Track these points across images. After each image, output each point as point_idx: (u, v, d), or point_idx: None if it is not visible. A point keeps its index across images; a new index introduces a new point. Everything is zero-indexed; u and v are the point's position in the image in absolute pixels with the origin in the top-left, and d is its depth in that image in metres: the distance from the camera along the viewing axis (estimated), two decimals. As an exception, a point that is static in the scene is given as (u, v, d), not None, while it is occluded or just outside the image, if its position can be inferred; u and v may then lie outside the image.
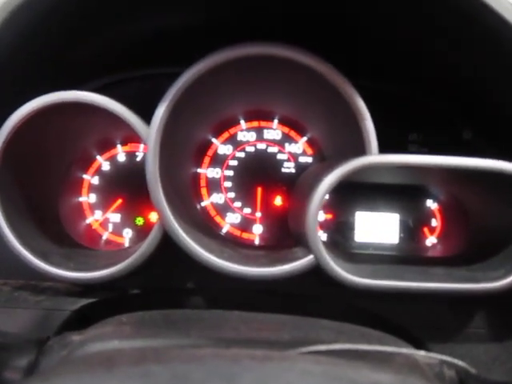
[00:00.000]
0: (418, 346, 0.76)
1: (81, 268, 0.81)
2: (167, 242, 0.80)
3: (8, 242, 0.78)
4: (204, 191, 1.02)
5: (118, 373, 0.35)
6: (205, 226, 0.96)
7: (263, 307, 0.73)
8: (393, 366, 0.53)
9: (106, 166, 1.04)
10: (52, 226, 0.92)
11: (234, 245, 0.93)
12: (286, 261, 0.78)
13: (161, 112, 0.74)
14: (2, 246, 0.86)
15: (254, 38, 0.77)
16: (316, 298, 0.87)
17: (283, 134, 1.03)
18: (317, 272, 0.74)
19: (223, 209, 1.02)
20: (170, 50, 0.94)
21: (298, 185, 0.93)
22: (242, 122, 1.02)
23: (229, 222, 1.02)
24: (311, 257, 0.76)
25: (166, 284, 0.88)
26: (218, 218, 1.02)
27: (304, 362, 0.40)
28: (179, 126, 0.80)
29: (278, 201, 1.02)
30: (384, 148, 0.78)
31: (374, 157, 0.69)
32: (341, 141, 0.91)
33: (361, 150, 0.79)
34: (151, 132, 0.75)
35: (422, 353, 0.54)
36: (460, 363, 0.57)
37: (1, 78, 0.76)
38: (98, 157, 1.04)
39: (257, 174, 1.02)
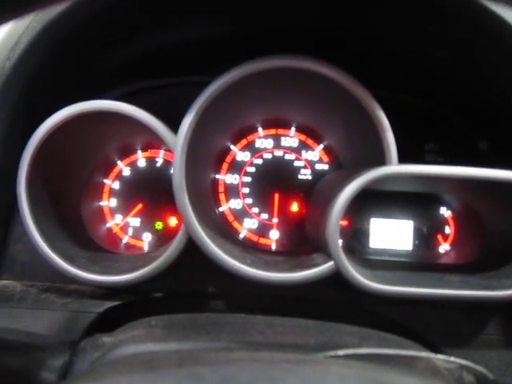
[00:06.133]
0: (434, 351, 0.78)
1: (106, 271, 0.83)
2: (190, 246, 0.83)
3: (37, 246, 0.81)
4: (222, 197, 1.05)
5: (169, 375, 0.37)
6: (224, 231, 0.99)
7: (284, 311, 0.75)
8: (416, 370, 0.55)
9: (126, 171, 1.06)
10: (76, 229, 0.94)
11: (253, 250, 0.95)
12: (306, 267, 0.80)
13: (188, 121, 0.76)
14: (28, 249, 0.90)
15: (276, 50, 0.79)
16: (334, 303, 0.89)
17: (300, 141, 1.05)
18: (335, 277, 0.76)
19: (241, 214, 1.05)
20: (191, 61, 0.96)
21: (317, 192, 0.95)
22: (260, 129, 1.05)
23: (246, 228, 1.04)
24: (331, 263, 0.78)
25: (189, 288, 0.91)
26: (235, 224, 1.04)
27: (337, 366, 0.42)
28: (203, 134, 0.83)
29: (295, 207, 1.04)
30: (400, 156, 0.80)
31: (397, 167, 0.71)
32: (358, 149, 0.94)
33: (379, 158, 0.80)
34: (178, 140, 0.77)
35: (444, 358, 0.56)
36: (479, 368, 0.59)
37: (33, 88, 0.79)
38: (119, 162, 1.06)
39: (274, 180, 1.04)
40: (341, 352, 0.52)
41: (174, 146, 0.79)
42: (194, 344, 0.57)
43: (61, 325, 0.80)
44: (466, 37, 0.72)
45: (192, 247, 0.82)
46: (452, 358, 0.56)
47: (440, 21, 0.71)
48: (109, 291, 0.87)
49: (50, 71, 0.80)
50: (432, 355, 0.58)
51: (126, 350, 0.58)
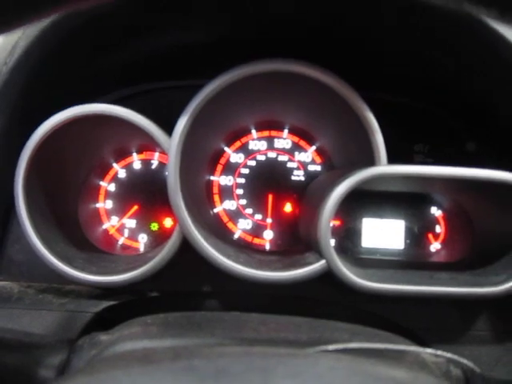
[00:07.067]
0: (423, 347, 0.80)
1: (102, 272, 0.85)
2: (184, 247, 0.84)
3: (34, 247, 0.82)
4: (217, 198, 1.06)
5: (164, 368, 0.39)
6: (218, 231, 1.00)
7: (277, 309, 0.77)
8: (404, 364, 0.57)
9: (122, 174, 1.08)
10: (73, 231, 0.95)
11: (247, 250, 0.97)
12: (299, 266, 0.81)
13: (182, 123, 0.78)
14: (25, 250, 0.91)
15: (268, 54, 0.81)
16: (326, 302, 0.91)
17: (293, 143, 1.07)
18: (327, 276, 0.78)
19: (235, 215, 1.06)
20: (185, 64, 0.98)
21: (309, 192, 0.97)
22: (254, 131, 1.06)
23: (240, 228, 1.06)
24: (323, 262, 0.80)
25: (184, 287, 0.92)
26: (230, 224, 1.06)
27: (327, 359, 0.44)
28: (197, 136, 0.84)
29: (288, 207, 1.05)
30: (390, 157, 0.82)
31: (385, 167, 0.73)
32: (349, 150, 0.95)
33: (369, 159, 0.82)
34: (173, 142, 0.79)
35: (431, 351, 0.58)
36: (466, 362, 0.61)
37: (30, 92, 0.80)
38: (115, 164, 1.08)
39: (267, 181, 1.06)
40: (331, 347, 0.54)
41: (168, 149, 0.81)
42: (188, 340, 0.58)
43: (58, 324, 0.81)
44: (458, 42, 0.74)
45: (187, 247, 0.83)
46: (439, 352, 0.58)
47: (432, 28, 0.73)
48: (105, 291, 0.89)
49: (47, 75, 0.81)
50: (420, 349, 0.59)
51: (123, 346, 0.59)
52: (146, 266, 0.83)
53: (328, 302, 0.90)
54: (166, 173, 1.03)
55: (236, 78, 0.77)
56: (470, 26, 0.69)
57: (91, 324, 0.83)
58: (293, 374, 0.36)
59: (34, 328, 0.81)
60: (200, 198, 1.01)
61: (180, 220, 0.80)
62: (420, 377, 0.47)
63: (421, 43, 0.78)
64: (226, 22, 0.80)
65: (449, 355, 0.57)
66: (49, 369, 0.61)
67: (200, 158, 0.99)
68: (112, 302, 0.87)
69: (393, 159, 0.81)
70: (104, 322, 0.83)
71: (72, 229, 0.96)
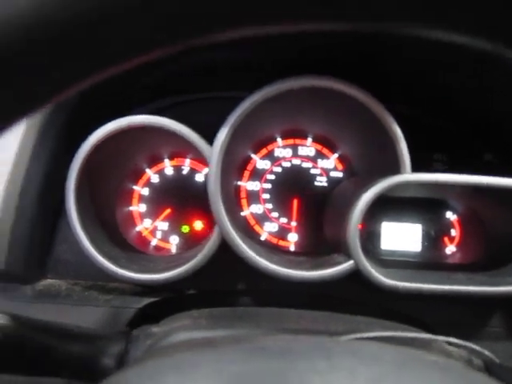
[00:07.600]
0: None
1: (144, 270, 0.91)
2: (221, 247, 0.91)
3: (83, 247, 0.88)
4: (244, 202, 1.13)
5: (232, 349, 0.45)
6: (248, 233, 1.07)
7: (309, 306, 0.83)
8: (434, 352, 0.63)
9: (154, 179, 1.15)
10: (113, 233, 1.02)
11: (274, 251, 1.03)
12: (328, 265, 0.88)
13: (224, 133, 0.85)
14: (72, 250, 0.98)
15: (295, 70, 0.87)
16: (353, 299, 0.97)
17: (316, 150, 1.13)
18: (354, 275, 0.85)
19: (262, 218, 1.13)
20: (215, 79, 1.05)
21: (335, 198, 1.03)
22: (279, 139, 1.13)
23: (267, 231, 1.12)
24: (351, 262, 0.86)
25: (220, 286, 0.99)
26: (256, 227, 1.13)
27: (377, 343, 0.50)
28: (232, 144, 0.91)
29: (312, 212, 1.12)
30: (412, 165, 0.88)
31: (412, 175, 0.80)
32: (371, 158, 1.02)
33: (392, 167, 0.88)
34: (214, 150, 0.86)
35: (457, 341, 0.65)
36: (485, 352, 0.67)
37: (80, 106, 0.87)
38: (148, 170, 1.14)
39: (292, 187, 1.13)
40: (367, 334, 0.60)
41: (209, 156, 0.87)
42: (238, 331, 0.65)
43: (106, 319, 0.88)
44: (481, 70, 0.81)
45: (222, 248, 0.90)
46: (464, 342, 0.64)
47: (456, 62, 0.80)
48: (146, 289, 0.95)
49: (95, 91, 0.88)
50: (447, 338, 0.66)
51: (177, 337, 0.65)
52: (188, 264, 0.89)
53: (355, 299, 0.96)
54: (197, 178, 1.11)
55: (277, 92, 0.84)
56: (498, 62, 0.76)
57: (135, 319, 0.89)
58: (351, 351, 0.42)
59: (83, 322, 0.87)
60: (231, 202, 1.08)
61: (220, 222, 0.86)
62: (450, 362, 0.54)
63: (446, 70, 0.84)
64: (265, 47, 0.87)
65: (470, 344, 0.63)
66: (110, 357, 0.67)
67: (231, 165, 1.05)
68: (154, 299, 0.93)
69: (413, 166, 0.88)
70: (146, 317, 0.89)
71: (112, 231, 1.02)
